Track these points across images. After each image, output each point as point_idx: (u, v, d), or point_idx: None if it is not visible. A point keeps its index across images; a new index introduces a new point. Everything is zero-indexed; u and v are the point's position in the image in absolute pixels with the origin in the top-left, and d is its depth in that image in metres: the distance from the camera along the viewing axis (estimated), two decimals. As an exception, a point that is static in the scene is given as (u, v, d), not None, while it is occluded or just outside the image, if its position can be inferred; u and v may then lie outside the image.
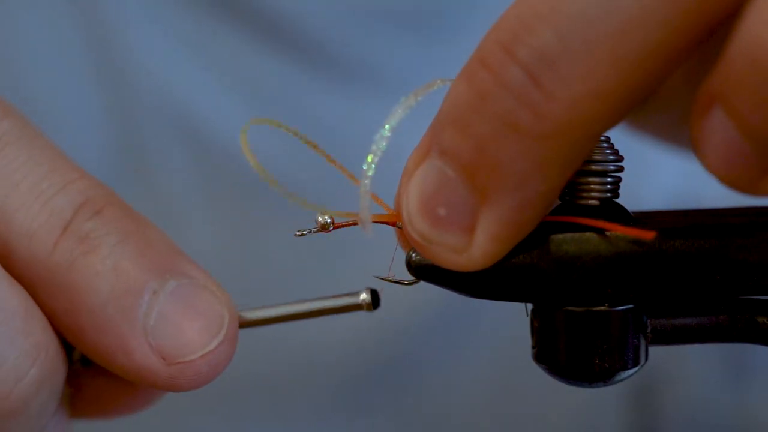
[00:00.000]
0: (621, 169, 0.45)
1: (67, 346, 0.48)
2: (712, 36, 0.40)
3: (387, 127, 0.44)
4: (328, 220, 0.46)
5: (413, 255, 0.45)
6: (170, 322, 0.46)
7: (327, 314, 0.48)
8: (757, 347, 0.80)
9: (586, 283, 0.43)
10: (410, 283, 0.46)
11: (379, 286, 0.48)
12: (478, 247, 0.42)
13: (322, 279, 0.81)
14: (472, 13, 0.82)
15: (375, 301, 0.47)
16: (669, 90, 0.55)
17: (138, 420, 0.82)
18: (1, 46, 0.79)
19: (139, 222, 0.47)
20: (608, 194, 0.44)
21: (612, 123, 0.40)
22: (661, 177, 0.85)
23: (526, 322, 0.46)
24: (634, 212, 0.45)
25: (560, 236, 0.43)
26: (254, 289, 0.81)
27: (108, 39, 0.80)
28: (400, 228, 0.46)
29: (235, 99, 0.81)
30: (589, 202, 0.44)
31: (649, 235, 0.42)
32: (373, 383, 0.82)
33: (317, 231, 0.46)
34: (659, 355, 0.82)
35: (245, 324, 0.48)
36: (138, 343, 0.45)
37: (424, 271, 0.45)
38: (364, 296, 0.48)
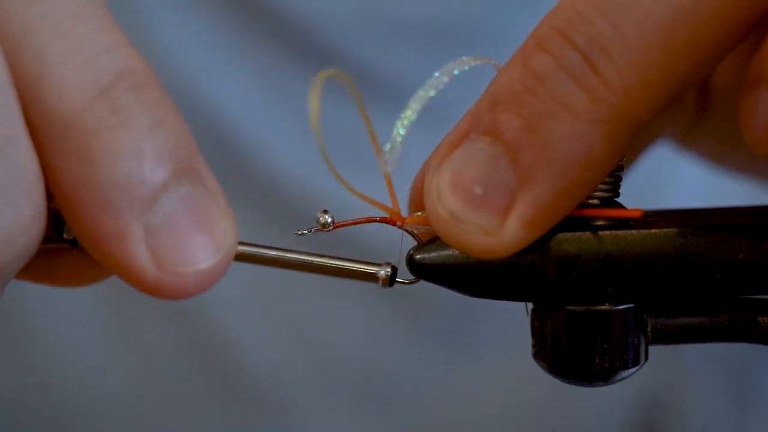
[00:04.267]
0: (621, 168, 0.45)
1: (57, 221, 0.45)
2: (762, 25, 0.40)
3: (437, 74, 0.44)
4: (329, 220, 0.46)
5: (414, 254, 0.45)
6: (173, 227, 0.43)
7: (334, 275, 0.46)
8: (762, 370, 0.80)
9: (586, 282, 0.43)
10: (411, 282, 0.46)
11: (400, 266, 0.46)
12: (509, 230, 0.42)
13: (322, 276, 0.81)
14: (494, 31, 0.82)
15: (392, 278, 0.46)
16: (718, 112, 0.55)
17: (148, 416, 0.82)
18: None
19: (173, 112, 0.44)
20: (608, 194, 0.44)
21: (659, 110, 0.41)
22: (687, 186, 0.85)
23: (527, 322, 0.46)
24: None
25: (560, 235, 0.43)
26: (262, 281, 0.81)
27: (142, 39, 0.80)
28: (401, 227, 0.46)
29: (265, 107, 0.81)
30: (589, 201, 0.44)
31: (636, 213, 0.43)
32: (375, 384, 0.82)
33: (318, 230, 0.46)
34: (664, 382, 0.82)
35: (242, 256, 0.46)
36: (135, 236, 0.43)
37: (424, 270, 0.45)
38: (384, 272, 0.46)
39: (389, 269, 0.46)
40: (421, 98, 0.44)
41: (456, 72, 0.44)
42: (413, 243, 0.46)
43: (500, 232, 0.42)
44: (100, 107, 0.42)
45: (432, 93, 0.44)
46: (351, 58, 0.80)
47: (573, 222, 0.44)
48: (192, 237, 0.43)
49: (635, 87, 0.40)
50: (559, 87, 0.40)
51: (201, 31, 0.80)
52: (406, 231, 0.46)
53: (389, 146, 0.44)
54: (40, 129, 0.43)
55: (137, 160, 0.42)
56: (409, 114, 0.44)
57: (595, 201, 0.44)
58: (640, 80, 0.40)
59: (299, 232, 0.47)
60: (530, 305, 0.45)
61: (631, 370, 0.44)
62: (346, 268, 0.46)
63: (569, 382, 0.45)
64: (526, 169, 0.41)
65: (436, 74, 0.44)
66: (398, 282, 0.46)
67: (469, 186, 0.41)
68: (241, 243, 0.46)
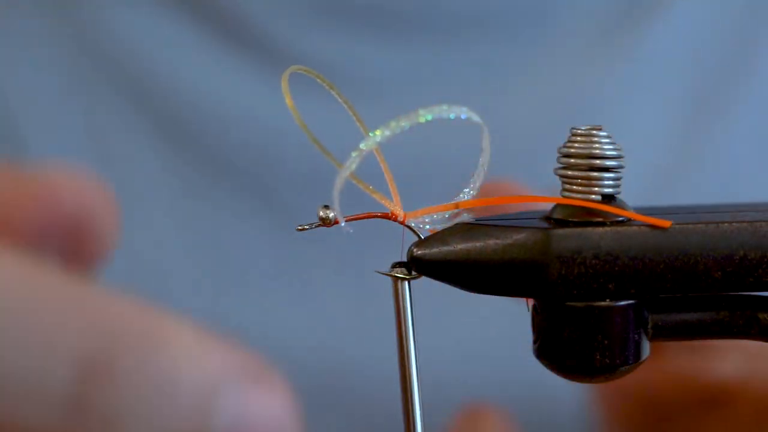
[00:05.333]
0: (622, 164, 0.45)
1: None
2: None
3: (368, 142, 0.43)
4: (330, 215, 0.45)
5: (415, 250, 0.45)
6: None
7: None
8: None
9: (587, 279, 0.43)
10: (411, 278, 0.46)
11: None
12: None
13: (320, 275, 0.81)
14: (447, 12, 0.82)
15: (410, 270, 0.45)
16: None
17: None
18: None
19: None
20: (610, 189, 0.44)
21: None
22: None
23: (522, 318, 0.46)
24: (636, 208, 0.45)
25: (561, 231, 0.43)
26: (230, 284, 0.81)
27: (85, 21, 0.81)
28: (402, 223, 0.46)
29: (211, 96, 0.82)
30: (591, 197, 0.44)
31: (665, 224, 0.43)
32: (368, 379, 0.82)
33: (318, 225, 0.45)
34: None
35: None
36: None
37: (425, 265, 0.45)
38: (402, 275, 0.46)
39: (400, 272, 0.45)
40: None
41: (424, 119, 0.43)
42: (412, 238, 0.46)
43: None
44: None
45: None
46: (299, 49, 0.81)
47: (575, 218, 0.44)
48: None
49: None
50: None
51: (149, 24, 0.81)
52: (407, 227, 0.46)
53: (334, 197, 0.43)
54: None
55: None
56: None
57: (596, 197, 0.44)
58: None
59: (300, 228, 0.46)
60: (531, 301, 0.46)
61: (632, 366, 0.44)
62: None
63: (570, 378, 0.45)
64: None
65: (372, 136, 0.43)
66: (399, 277, 0.46)
67: None
68: None
